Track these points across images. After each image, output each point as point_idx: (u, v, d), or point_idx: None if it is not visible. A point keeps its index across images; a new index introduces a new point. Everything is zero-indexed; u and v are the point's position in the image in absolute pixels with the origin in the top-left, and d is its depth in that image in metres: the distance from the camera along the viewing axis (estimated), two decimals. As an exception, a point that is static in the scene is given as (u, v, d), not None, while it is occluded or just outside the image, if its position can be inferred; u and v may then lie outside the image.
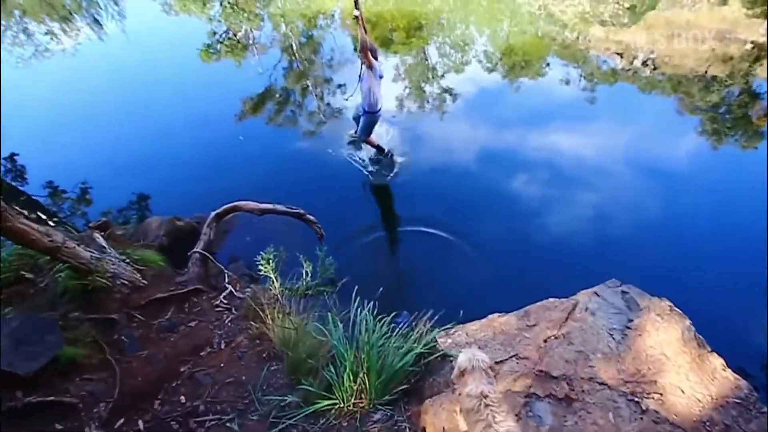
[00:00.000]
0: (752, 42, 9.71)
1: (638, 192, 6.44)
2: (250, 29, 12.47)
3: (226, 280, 4.53)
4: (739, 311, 4.51)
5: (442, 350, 3.21)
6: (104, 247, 4.47)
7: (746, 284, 4.85)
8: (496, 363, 3.02)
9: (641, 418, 2.65)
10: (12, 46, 12.84)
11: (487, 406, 2.15)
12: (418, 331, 3.35)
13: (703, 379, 2.85)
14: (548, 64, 9.85)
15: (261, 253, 4.03)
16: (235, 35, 12.13)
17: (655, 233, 5.82)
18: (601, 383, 2.82)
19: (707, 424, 2.62)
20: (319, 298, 4.22)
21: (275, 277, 3.98)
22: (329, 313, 3.53)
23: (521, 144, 7.32)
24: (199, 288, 4.41)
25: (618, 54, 9.86)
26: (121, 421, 3.19)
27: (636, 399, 2.74)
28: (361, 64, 5.23)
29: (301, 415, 3.01)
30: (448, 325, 3.44)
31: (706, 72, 9.05)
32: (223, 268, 4.70)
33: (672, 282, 4.77)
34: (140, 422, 3.19)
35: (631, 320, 3.19)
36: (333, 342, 3.34)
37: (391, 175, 6.32)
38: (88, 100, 9.43)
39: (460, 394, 2.32)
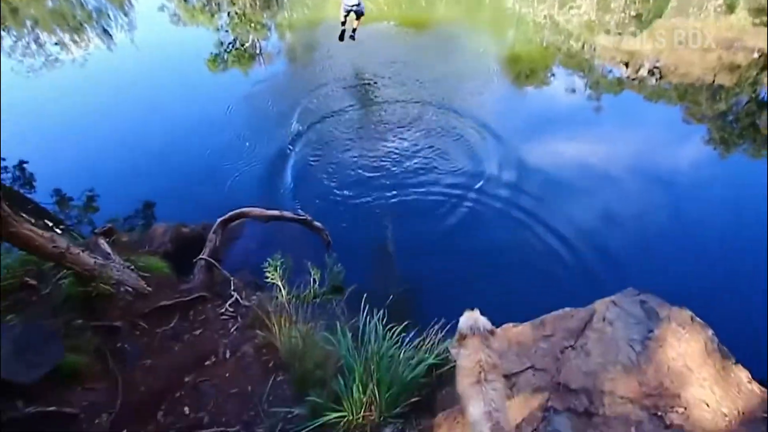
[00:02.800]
0: (759, 51, 9.66)
1: (647, 200, 6.35)
2: (257, 39, 12.56)
3: (232, 288, 4.44)
4: (759, 320, 4.38)
5: (455, 361, 3.10)
6: (109, 254, 4.41)
7: (760, 292, 4.73)
8: (513, 374, 2.92)
9: (665, 434, 2.54)
10: (23, 57, 12.99)
11: (485, 381, 2.14)
12: (429, 341, 3.25)
13: (729, 393, 2.73)
14: (553, 74, 9.83)
15: (268, 260, 3.95)
16: (242, 45, 12.20)
17: (666, 241, 5.72)
18: (622, 397, 2.71)
19: (735, 440, 2.51)
20: (327, 306, 4.12)
21: (282, 285, 3.90)
22: (337, 323, 3.44)
23: (528, 151, 7.25)
24: (204, 296, 4.33)
25: (624, 63, 9.84)
26: (124, 432, 3.10)
27: (659, 413, 2.63)
28: None
29: (309, 428, 2.91)
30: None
31: (713, 81, 9.00)
32: (228, 275, 4.62)
33: (686, 291, 4.64)
34: (143, 434, 3.10)
35: (651, 331, 3.07)
36: (341, 352, 3.24)
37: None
38: (95, 109, 9.44)
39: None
